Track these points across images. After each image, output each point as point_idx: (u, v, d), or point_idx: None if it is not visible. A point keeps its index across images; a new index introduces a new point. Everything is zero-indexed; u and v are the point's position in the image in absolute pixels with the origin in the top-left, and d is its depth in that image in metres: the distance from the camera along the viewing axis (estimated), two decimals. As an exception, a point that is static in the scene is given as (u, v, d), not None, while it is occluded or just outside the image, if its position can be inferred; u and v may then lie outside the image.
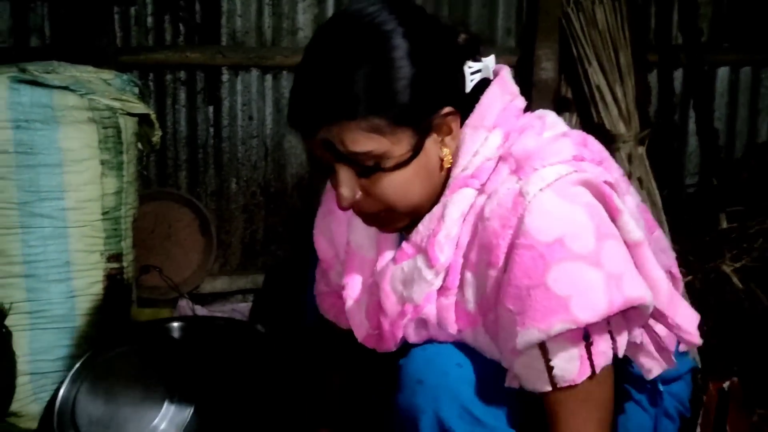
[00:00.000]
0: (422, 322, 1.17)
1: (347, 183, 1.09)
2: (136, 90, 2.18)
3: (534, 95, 2.67)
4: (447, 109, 1.10)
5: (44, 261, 1.89)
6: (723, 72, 2.97)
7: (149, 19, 2.58)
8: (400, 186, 1.09)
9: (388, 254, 1.20)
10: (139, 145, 2.17)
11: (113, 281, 2.02)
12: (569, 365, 1.04)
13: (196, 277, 2.64)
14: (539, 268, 1.01)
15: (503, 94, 1.17)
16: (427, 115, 1.09)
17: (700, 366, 2.13)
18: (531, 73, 2.72)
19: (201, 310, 2.55)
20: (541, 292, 1.01)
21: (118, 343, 1.87)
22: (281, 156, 2.72)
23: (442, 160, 1.13)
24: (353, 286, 1.25)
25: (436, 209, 1.14)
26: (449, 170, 1.15)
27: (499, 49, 2.78)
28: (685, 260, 2.43)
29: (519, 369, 1.07)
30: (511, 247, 1.04)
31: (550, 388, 1.06)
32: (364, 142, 1.05)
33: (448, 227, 1.12)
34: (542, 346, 1.04)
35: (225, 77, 2.64)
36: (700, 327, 1.18)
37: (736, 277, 2.25)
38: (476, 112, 1.14)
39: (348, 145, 1.05)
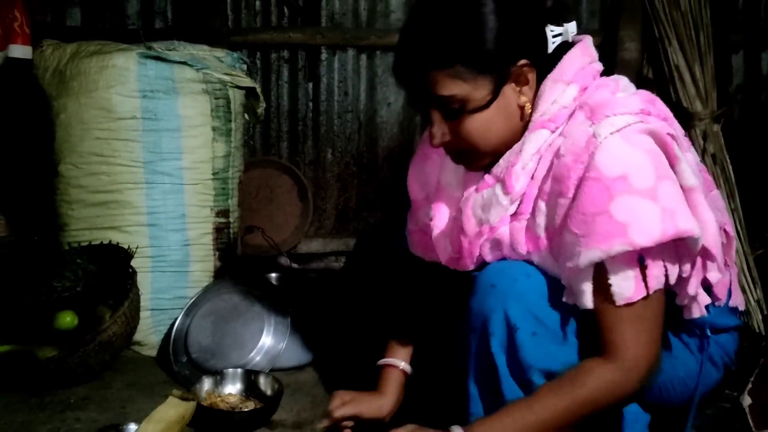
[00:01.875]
0: (496, 243, 1.37)
1: (438, 124, 1.31)
2: (245, 67, 2.44)
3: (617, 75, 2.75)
4: (523, 61, 1.28)
5: (164, 213, 2.17)
6: (814, 52, 2.96)
7: (257, 3, 2.84)
8: (481, 126, 1.30)
9: (472, 188, 1.40)
10: (246, 116, 2.43)
11: (221, 233, 2.29)
12: (626, 284, 1.22)
13: (294, 238, 2.90)
14: (604, 198, 1.20)
15: (583, 56, 1.34)
16: (504, 65, 1.28)
17: (764, 333, 2.21)
18: (614, 54, 2.81)
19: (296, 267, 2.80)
20: (604, 218, 1.20)
21: (225, 286, 2.14)
22: (373, 130, 2.93)
23: (521, 108, 1.32)
24: (441, 218, 1.46)
25: (516, 146, 1.34)
26: (529, 119, 1.33)
27: (583, 30, 2.88)
28: (758, 235, 2.50)
29: (578, 287, 1.25)
30: (581, 180, 1.23)
31: (605, 304, 1.23)
32: (449, 87, 1.26)
33: (524, 160, 1.31)
34: (602, 268, 1.22)
35: (324, 56, 2.87)
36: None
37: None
38: (557, 68, 1.32)
39: (436, 89, 1.27)
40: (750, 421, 1.76)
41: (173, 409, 1.71)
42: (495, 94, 1.28)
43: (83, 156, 2.14)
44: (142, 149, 2.14)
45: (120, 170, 2.13)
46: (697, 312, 1.34)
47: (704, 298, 1.35)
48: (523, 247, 1.35)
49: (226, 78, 2.28)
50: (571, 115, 1.30)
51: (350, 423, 1.55)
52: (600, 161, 1.21)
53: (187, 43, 2.36)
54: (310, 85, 2.89)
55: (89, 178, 2.14)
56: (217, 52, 2.38)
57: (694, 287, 1.31)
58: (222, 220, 2.29)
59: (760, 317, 2.23)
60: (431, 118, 1.31)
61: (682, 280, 1.31)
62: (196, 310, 2.08)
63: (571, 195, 1.24)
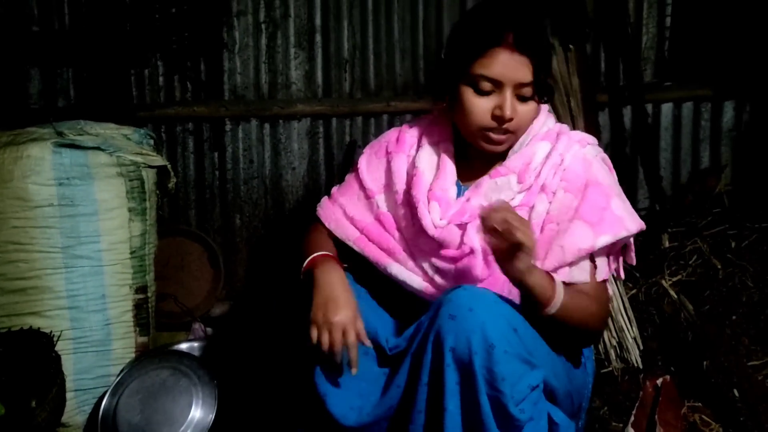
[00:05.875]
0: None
1: (513, 102, 1.63)
2: (152, 142, 2.53)
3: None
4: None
5: (84, 295, 2.23)
6: (667, 108, 3.32)
7: (161, 79, 2.94)
8: (530, 117, 1.68)
9: (449, 176, 1.76)
10: (157, 192, 2.52)
11: (140, 309, 2.37)
12: (603, 267, 1.68)
13: (206, 303, 2.98)
14: (604, 198, 1.66)
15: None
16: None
17: (641, 367, 2.50)
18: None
19: (212, 332, 2.88)
20: (608, 213, 1.65)
21: (150, 362, 2.22)
22: (279, 194, 3.07)
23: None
24: (421, 191, 1.76)
25: (527, 150, 1.71)
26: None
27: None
28: (631, 276, 2.81)
29: (579, 264, 1.65)
30: (587, 185, 1.67)
31: (589, 279, 1.66)
32: (543, 79, 1.64)
33: (536, 162, 1.70)
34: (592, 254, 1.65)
35: (228, 127, 2.99)
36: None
37: (673, 290, 2.61)
38: (543, 106, 1.75)
39: (538, 73, 1.61)
40: (634, 449, 2.03)
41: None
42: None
43: (0, 245, 2.17)
44: (59, 235, 2.20)
45: (38, 257, 2.18)
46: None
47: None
48: None
49: (139, 159, 2.37)
50: (558, 137, 1.73)
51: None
52: (597, 173, 1.68)
53: (94, 122, 2.43)
54: (216, 154, 3.00)
55: (7, 266, 2.18)
56: (125, 129, 2.46)
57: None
58: (141, 296, 2.37)
59: (638, 352, 2.52)
60: (509, 97, 1.62)
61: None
62: (122, 389, 2.15)
63: (579, 194, 1.66)
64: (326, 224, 1.87)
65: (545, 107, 1.78)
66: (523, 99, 1.63)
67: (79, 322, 2.22)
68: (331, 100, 3.04)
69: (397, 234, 1.80)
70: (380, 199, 1.84)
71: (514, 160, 1.71)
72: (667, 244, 2.88)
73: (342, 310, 1.57)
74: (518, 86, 1.61)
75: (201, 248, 2.99)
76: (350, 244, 1.82)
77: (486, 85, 1.62)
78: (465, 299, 1.52)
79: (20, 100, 2.80)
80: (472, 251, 1.67)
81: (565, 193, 1.67)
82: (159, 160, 2.45)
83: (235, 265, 3.07)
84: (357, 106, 3.04)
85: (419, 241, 1.76)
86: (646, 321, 2.62)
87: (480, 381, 1.47)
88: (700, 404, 2.22)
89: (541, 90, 1.66)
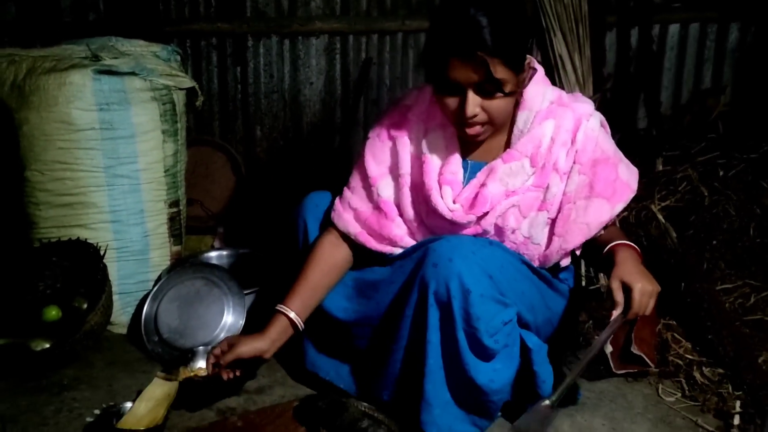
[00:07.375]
0: (510, 205, 1.84)
1: (475, 100, 1.69)
2: (178, 58, 2.67)
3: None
4: (527, 61, 1.74)
5: (125, 210, 2.45)
6: (674, 28, 3.43)
7: (185, -6, 3.05)
8: (503, 108, 1.72)
9: (456, 159, 1.85)
10: (186, 111, 2.68)
11: (173, 221, 2.60)
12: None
13: (229, 208, 3.21)
14: (613, 169, 1.83)
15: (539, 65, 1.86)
16: (523, 64, 1.73)
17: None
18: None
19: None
20: (619, 182, 1.83)
21: (186, 273, 2.46)
22: (297, 107, 3.23)
23: (516, 100, 1.79)
24: (432, 178, 1.86)
25: (534, 133, 1.80)
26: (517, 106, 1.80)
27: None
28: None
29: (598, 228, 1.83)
30: (595, 162, 1.82)
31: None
32: (502, 72, 1.66)
33: (545, 143, 1.81)
34: None
35: (250, 43, 3.11)
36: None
37: (661, 215, 2.83)
38: (538, 75, 1.82)
39: (494, 72, 1.64)
40: (611, 363, 2.30)
41: (159, 388, 2.07)
42: (518, 85, 1.73)
43: (47, 164, 2.37)
44: (101, 156, 2.39)
45: (82, 175, 2.38)
46: None
47: None
48: (533, 211, 1.84)
49: (170, 82, 2.52)
50: (561, 112, 1.80)
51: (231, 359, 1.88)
52: (603, 146, 1.82)
53: (124, 39, 2.55)
54: (238, 69, 3.14)
55: (54, 183, 2.38)
56: (153, 47, 2.58)
57: None
58: (174, 210, 2.59)
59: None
60: (469, 96, 1.68)
61: None
62: (161, 296, 2.41)
63: (590, 172, 1.81)
64: (335, 223, 1.97)
65: (540, 75, 1.82)
66: (488, 94, 1.68)
67: (120, 234, 2.45)
68: (349, 18, 3.14)
69: (398, 219, 1.92)
70: (382, 185, 1.91)
71: (524, 143, 1.81)
72: (660, 168, 3.06)
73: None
74: (481, 84, 1.67)
75: (224, 157, 3.18)
76: (353, 238, 1.94)
77: (450, 88, 1.70)
78: (446, 250, 1.74)
79: (53, 15, 2.90)
80: (485, 232, 1.87)
81: (580, 175, 1.81)
82: (187, 82, 2.59)
83: (255, 173, 3.28)
84: (373, 24, 3.15)
85: (430, 219, 1.89)
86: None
87: (458, 320, 1.72)
88: (674, 323, 2.49)
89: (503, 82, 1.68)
